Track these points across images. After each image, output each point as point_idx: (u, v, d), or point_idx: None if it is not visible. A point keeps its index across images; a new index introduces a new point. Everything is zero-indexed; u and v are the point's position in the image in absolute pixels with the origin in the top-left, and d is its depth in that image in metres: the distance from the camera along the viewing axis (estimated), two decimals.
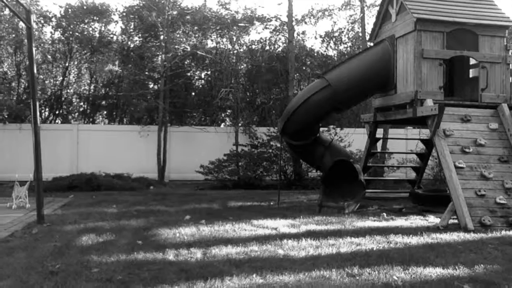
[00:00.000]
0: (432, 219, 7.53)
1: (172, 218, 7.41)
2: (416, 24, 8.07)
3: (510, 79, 8.27)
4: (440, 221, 6.90)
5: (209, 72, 16.64)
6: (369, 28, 17.49)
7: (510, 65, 8.22)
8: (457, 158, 7.31)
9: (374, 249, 5.23)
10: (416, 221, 7.41)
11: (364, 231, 6.23)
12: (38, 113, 7.06)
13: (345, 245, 5.38)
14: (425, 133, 12.80)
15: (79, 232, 6.26)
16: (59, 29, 16.15)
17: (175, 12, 14.90)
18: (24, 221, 7.17)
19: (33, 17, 9.73)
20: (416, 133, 14.41)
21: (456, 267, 4.46)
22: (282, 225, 6.72)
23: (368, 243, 5.50)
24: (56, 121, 16.44)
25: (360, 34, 17.23)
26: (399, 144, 14.28)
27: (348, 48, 17.89)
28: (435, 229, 6.59)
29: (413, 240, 5.73)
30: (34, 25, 14.71)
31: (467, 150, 7.44)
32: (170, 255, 4.91)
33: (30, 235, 6.05)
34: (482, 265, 4.55)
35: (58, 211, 8.22)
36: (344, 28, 17.88)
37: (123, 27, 16.31)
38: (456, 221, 6.88)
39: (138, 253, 4.97)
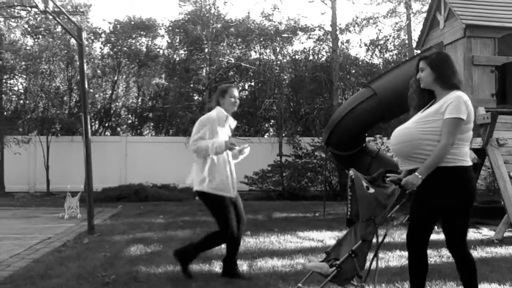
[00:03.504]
0: (486, 232, 7.22)
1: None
2: (465, 31, 7.83)
3: None
4: (495, 234, 6.61)
5: (252, 83, 16.75)
6: (415, 35, 17.17)
7: None
8: (511, 168, 7.00)
9: None
10: (469, 234, 7.09)
11: None
12: (89, 126, 7.30)
13: (395, 259, 5.23)
14: (477, 142, 12.33)
15: (127, 242, 6.39)
16: (108, 45, 16.70)
17: (219, 25, 15.14)
18: (75, 231, 7.40)
19: (84, 34, 10.12)
20: None
21: None
22: (328, 237, 6.62)
23: None
24: (106, 133, 16.96)
25: (406, 42, 16.94)
26: None
27: (394, 56, 17.59)
28: (490, 242, 6.32)
29: None
30: (85, 42, 15.31)
31: None
32: (217, 267, 4.93)
33: (81, 245, 6.23)
34: None
35: (108, 221, 8.43)
36: (390, 36, 17.61)
37: (169, 41, 16.70)
38: (511, 234, 6.57)
39: None
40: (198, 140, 4.27)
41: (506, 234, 6.58)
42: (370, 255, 3.47)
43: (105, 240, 6.54)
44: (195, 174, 4.41)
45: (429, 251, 5.58)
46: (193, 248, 4.51)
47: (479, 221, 8.22)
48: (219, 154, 4.25)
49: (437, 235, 6.85)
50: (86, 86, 7.40)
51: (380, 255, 5.33)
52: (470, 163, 3.21)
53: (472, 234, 7.11)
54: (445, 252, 5.57)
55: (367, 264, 3.40)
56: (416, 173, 3.12)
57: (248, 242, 6.29)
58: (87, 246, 6.18)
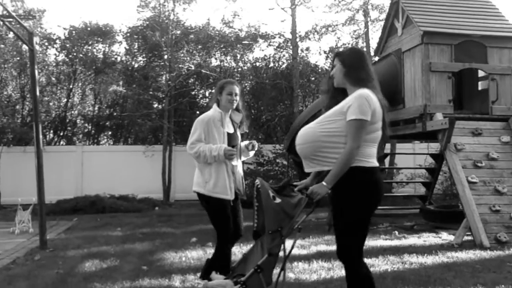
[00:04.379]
0: (446, 236, 7.30)
1: (178, 240, 7.22)
2: (423, 37, 7.94)
3: None
4: (455, 239, 6.67)
5: (213, 91, 16.55)
6: (373, 42, 17.41)
7: None
8: (469, 172, 7.11)
9: (389, 270, 5.01)
10: (429, 238, 7.18)
11: (376, 251, 6.01)
12: (41, 135, 6.95)
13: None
14: (433, 147, 12.58)
15: (82, 257, 6.08)
16: (63, 51, 16.17)
17: (178, 32, 14.90)
18: (26, 246, 7.01)
19: (37, 39, 9.72)
20: (423, 147, 14.17)
21: None
22: (290, 246, 6.50)
23: (382, 264, 5.28)
24: (61, 143, 16.37)
25: (365, 49, 17.16)
26: (406, 159, 14.05)
27: None
28: (450, 247, 6.37)
29: (428, 259, 5.51)
30: (38, 48, 14.77)
31: (479, 164, 7.24)
32: (177, 282, 4.72)
33: (33, 262, 5.88)
34: (503, 285, 4.32)
35: (62, 235, 8.05)
36: (348, 43, 17.80)
37: (127, 47, 16.32)
38: (470, 238, 6.66)
39: (143, 280, 4.78)
40: (195, 144, 4.06)
41: (466, 238, 6.65)
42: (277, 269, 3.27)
43: (59, 256, 6.20)
44: (195, 174, 4.18)
45: (391, 257, 5.60)
46: (208, 267, 4.13)
47: (438, 225, 8.33)
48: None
49: (399, 241, 6.91)
50: (38, 93, 7.04)
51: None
52: (374, 164, 3.00)
53: (432, 238, 7.19)
54: (408, 258, 5.57)
55: (274, 278, 3.21)
56: (323, 182, 2.94)
57: (210, 253, 6.09)
58: (38, 263, 5.84)
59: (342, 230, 3.03)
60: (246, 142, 4.34)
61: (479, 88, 9.02)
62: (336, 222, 3.07)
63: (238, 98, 4.20)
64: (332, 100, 3.18)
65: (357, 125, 2.90)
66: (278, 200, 3.14)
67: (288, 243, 3.19)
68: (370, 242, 6.74)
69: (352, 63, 3.09)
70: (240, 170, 4.25)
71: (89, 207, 11.52)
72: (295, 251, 6.10)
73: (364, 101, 2.92)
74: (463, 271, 4.93)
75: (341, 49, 17.71)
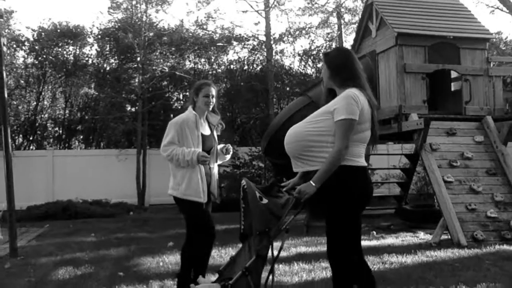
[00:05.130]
0: (423, 236, 7.36)
1: (155, 245, 7.07)
2: (397, 39, 8.02)
3: (493, 91, 8.24)
4: (432, 238, 6.72)
5: (187, 93, 16.40)
6: (347, 45, 17.58)
7: (493, 77, 8.20)
8: (445, 172, 7.19)
9: None
10: (407, 238, 7.22)
11: None
12: (9, 140, 6.71)
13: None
14: (407, 148, 12.71)
15: (55, 265, 5.88)
16: (32, 53, 15.75)
17: (151, 34, 14.70)
18: None
19: (4, 41, 9.43)
20: (397, 148, 14.32)
21: (458, 287, 4.25)
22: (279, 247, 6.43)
23: None
24: (30, 148, 15.92)
25: None
26: (381, 160, 14.16)
27: None
28: (428, 246, 6.41)
29: (408, 259, 5.52)
30: (6, 50, 14.32)
31: (454, 163, 7.33)
32: (155, 287, 4.59)
33: (3, 270, 5.64)
34: (483, 283, 4.35)
35: (33, 242, 7.79)
36: (322, 46, 17.91)
37: (99, 49, 16.00)
38: (448, 236, 6.72)
39: (120, 286, 4.64)
40: (168, 146, 3.96)
41: (443, 237, 6.70)
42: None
43: (30, 264, 5.97)
44: (171, 177, 4.08)
45: (371, 258, 5.59)
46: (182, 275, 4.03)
47: (415, 225, 8.40)
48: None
49: (377, 241, 6.93)
50: (6, 96, 6.79)
51: (324, 264, 5.24)
52: (362, 164, 2.99)
53: (410, 238, 7.23)
54: (388, 258, 5.57)
55: (263, 281, 3.14)
56: (310, 181, 2.91)
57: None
58: (8, 271, 5.61)
59: (333, 230, 2.99)
60: (221, 145, 4.27)
61: (452, 89, 9.16)
62: (327, 222, 3.02)
63: (214, 100, 4.13)
64: (326, 101, 3.16)
65: (345, 125, 2.88)
66: (265, 201, 3.09)
67: (276, 244, 3.13)
68: None
69: (337, 64, 3.07)
70: (216, 173, 4.18)
71: (61, 212, 11.20)
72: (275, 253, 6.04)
73: (351, 100, 2.91)
74: (443, 269, 4.95)
75: (314, 52, 17.85)
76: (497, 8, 17.55)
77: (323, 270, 5.02)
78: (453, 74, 8.97)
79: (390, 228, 8.30)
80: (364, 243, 6.73)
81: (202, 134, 4.06)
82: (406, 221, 8.77)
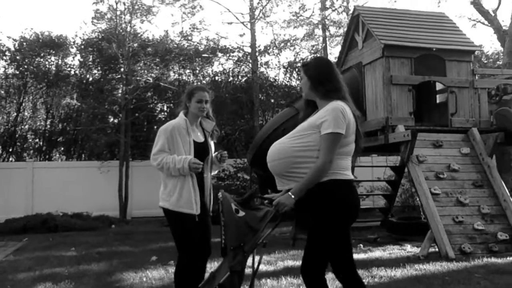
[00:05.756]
0: (410, 248, 7.28)
1: (138, 259, 6.86)
2: (383, 51, 8.00)
3: (478, 103, 8.27)
4: (420, 251, 6.65)
5: (172, 105, 16.26)
6: (331, 57, 17.66)
7: (478, 89, 8.24)
8: (432, 184, 7.15)
9: None
10: (394, 251, 7.14)
11: None
12: None
13: (328, 283, 4.98)
14: (391, 160, 12.73)
15: (34, 280, 5.64)
16: (13, 63, 15.47)
17: (136, 44, 14.56)
18: None
19: None
20: (381, 160, 14.33)
21: None
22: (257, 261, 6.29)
23: None
24: (10, 159, 15.56)
25: None
26: (366, 172, 14.15)
27: None
28: (416, 259, 6.33)
29: (397, 273, 5.42)
30: None
31: (441, 175, 7.30)
32: None
33: None
34: None
35: (11, 257, 7.52)
36: (307, 58, 17.96)
37: (82, 60, 15.80)
38: (435, 249, 6.65)
39: None
40: (157, 154, 3.74)
41: (431, 249, 6.64)
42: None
43: (7, 279, 5.73)
44: (161, 188, 3.84)
45: (360, 271, 5.46)
46: None
47: (401, 237, 8.34)
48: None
49: (365, 254, 6.83)
50: None
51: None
52: (350, 177, 2.91)
53: (397, 251, 7.15)
54: (377, 271, 5.47)
55: None
56: (289, 193, 2.81)
57: (173, 273, 5.79)
58: None
59: (318, 245, 2.87)
60: (215, 153, 4.06)
61: (437, 101, 9.18)
62: (311, 236, 2.90)
63: (208, 105, 3.95)
64: (305, 113, 3.06)
65: (332, 138, 2.80)
66: (241, 214, 2.97)
67: (256, 258, 3.00)
68: None
69: (318, 75, 2.96)
70: (209, 183, 3.94)
71: (40, 226, 10.89)
72: (262, 268, 5.90)
73: (339, 114, 2.82)
74: (433, 283, 4.87)
75: (299, 64, 17.86)
76: (479, 21, 17.81)
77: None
78: (438, 86, 9.00)
79: (376, 241, 8.21)
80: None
81: (194, 141, 3.83)
82: (392, 234, 8.71)
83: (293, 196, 2.79)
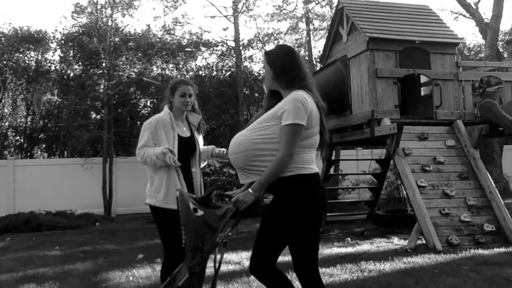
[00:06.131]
0: (397, 241, 7.30)
1: (124, 258, 6.76)
2: (368, 44, 7.99)
3: (463, 96, 8.31)
4: (408, 243, 6.67)
5: (155, 100, 16.09)
6: (315, 51, 17.66)
7: (462, 82, 8.27)
8: (418, 177, 7.17)
9: (349, 279, 4.86)
10: (381, 244, 7.15)
11: (333, 259, 5.87)
12: None
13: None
14: (376, 153, 12.77)
15: (17, 281, 5.51)
16: None
17: (117, 39, 14.33)
18: None
19: None
20: (366, 153, 14.38)
21: None
22: (245, 258, 6.24)
23: (341, 273, 5.13)
24: None
25: (307, 58, 17.32)
26: (351, 165, 14.19)
27: None
28: (404, 252, 6.34)
29: (386, 266, 5.42)
30: None
31: (427, 168, 7.32)
32: None
33: None
34: None
35: None
36: None
37: (62, 55, 15.51)
38: (423, 241, 6.68)
39: None
40: (142, 149, 3.64)
41: (418, 242, 6.66)
42: None
43: None
44: (148, 185, 3.74)
45: (349, 265, 5.47)
46: None
47: (388, 230, 8.36)
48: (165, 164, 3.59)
49: (353, 248, 6.82)
50: None
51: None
52: (315, 171, 2.79)
53: (385, 244, 7.16)
54: (366, 265, 5.46)
55: None
56: (249, 189, 2.70)
57: (160, 271, 5.71)
58: None
59: (275, 239, 2.76)
60: (220, 149, 3.93)
61: (422, 94, 9.22)
62: (271, 232, 2.77)
63: (193, 99, 3.85)
64: (268, 103, 2.92)
65: (292, 130, 2.66)
66: (200, 213, 2.83)
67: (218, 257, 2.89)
68: (325, 250, 6.61)
69: (281, 64, 2.83)
70: (198, 178, 3.83)
71: (23, 225, 10.67)
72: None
73: (299, 104, 2.67)
74: (423, 276, 4.87)
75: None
76: (461, 14, 17.95)
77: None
78: (423, 79, 9.03)
79: (364, 234, 8.22)
80: (340, 250, 6.66)
81: (180, 136, 3.73)
82: (379, 227, 8.73)
83: (253, 192, 2.69)
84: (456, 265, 5.35)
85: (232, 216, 2.80)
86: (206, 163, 4.04)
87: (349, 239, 7.55)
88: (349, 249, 6.74)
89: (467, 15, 16.64)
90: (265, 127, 2.74)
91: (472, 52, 19.46)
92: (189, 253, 2.76)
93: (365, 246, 6.94)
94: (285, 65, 2.81)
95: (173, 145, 3.68)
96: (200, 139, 3.93)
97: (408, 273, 5.03)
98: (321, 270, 5.23)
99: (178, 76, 15.95)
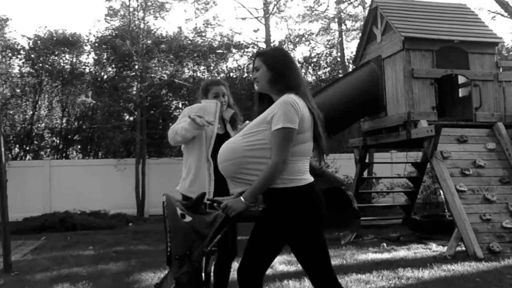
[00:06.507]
0: (435, 248, 7.07)
1: (156, 259, 6.74)
2: (404, 43, 7.78)
3: (503, 97, 8.00)
4: (447, 250, 6.43)
5: (187, 102, 16.16)
6: (348, 52, 17.42)
7: (503, 82, 7.97)
8: (457, 181, 6.92)
9: (386, 287, 4.70)
10: (419, 250, 6.93)
11: (368, 266, 5.71)
12: (3, 149, 6.39)
13: (353, 284, 4.83)
14: (412, 156, 12.49)
15: (51, 280, 5.57)
16: (28, 62, 15.49)
17: (149, 41, 14.47)
18: None
19: None
20: (400, 156, 14.08)
21: None
22: (278, 262, 6.13)
23: (377, 280, 4.97)
24: (27, 158, 15.61)
25: (339, 59, 17.11)
26: (385, 168, 13.89)
27: (327, 73, 17.69)
28: (443, 259, 6.12)
29: (425, 274, 5.23)
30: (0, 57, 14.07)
31: (467, 172, 7.06)
32: None
33: None
34: None
35: (29, 256, 7.47)
36: (322, 54, 17.72)
37: (96, 57, 15.76)
38: (462, 248, 6.44)
39: None
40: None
41: (458, 249, 6.42)
42: None
43: (24, 280, 5.65)
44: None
45: (385, 272, 5.30)
46: None
47: (424, 236, 8.12)
48: (196, 132, 3.47)
49: (389, 254, 6.63)
50: (1, 105, 6.49)
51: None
52: (308, 181, 2.62)
53: (422, 250, 6.94)
54: (404, 272, 5.28)
55: None
56: (241, 197, 2.55)
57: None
58: None
59: (267, 249, 2.65)
60: None
61: (460, 95, 8.93)
62: (265, 242, 2.66)
63: (226, 98, 3.71)
64: (260, 108, 2.76)
65: (283, 134, 2.50)
66: (188, 219, 2.66)
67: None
68: (360, 256, 6.46)
69: (279, 67, 2.68)
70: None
71: (58, 224, 10.86)
72: (284, 268, 5.76)
73: (289, 107, 2.52)
74: (464, 285, 4.67)
75: (315, 59, 17.63)
76: (499, 13, 17.40)
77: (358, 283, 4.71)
78: (461, 80, 8.75)
79: (399, 239, 8.01)
80: (376, 256, 6.48)
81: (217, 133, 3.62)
82: (415, 232, 8.48)
83: (244, 201, 2.54)
84: (499, 273, 5.12)
85: (221, 223, 2.65)
86: None
87: (384, 244, 7.36)
88: (385, 255, 6.56)
89: (505, 14, 16.10)
90: (255, 132, 2.59)
91: (511, 53, 18.83)
92: (176, 262, 2.59)
93: (401, 252, 6.73)
94: (284, 70, 2.67)
95: (212, 134, 3.59)
96: (233, 133, 3.73)
97: (449, 282, 4.83)
98: (356, 276, 5.11)
99: (209, 77, 15.98)
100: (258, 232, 2.68)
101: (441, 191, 8.18)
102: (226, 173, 2.68)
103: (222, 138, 3.62)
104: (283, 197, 2.57)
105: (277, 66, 2.68)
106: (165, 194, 2.70)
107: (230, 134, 3.69)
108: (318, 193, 2.67)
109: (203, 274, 2.69)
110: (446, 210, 8.31)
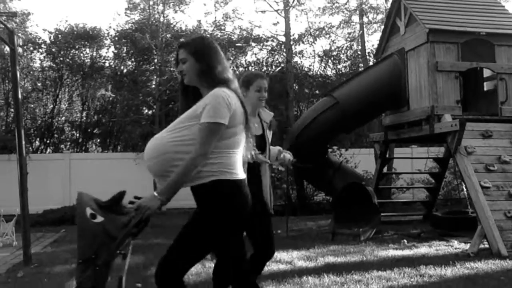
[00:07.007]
0: (457, 245, 6.88)
1: None
2: (428, 36, 7.57)
3: None
4: (470, 247, 6.26)
5: None
6: (369, 45, 17.16)
7: None
8: (482, 177, 6.71)
9: (408, 285, 4.58)
10: (440, 247, 6.76)
11: (389, 262, 5.58)
12: (23, 142, 6.41)
13: (374, 281, 4.71)
14: (433, 151, 12.23)
15: (70, 273, 5.56)
16: (49, 56, 15.63)
17: (169, 35, 14.47)
18: (9, 262, 6.47)
19: (19, 41, 9.23)
20: (422, 151, 13.80)
21: None
22: (296, 258, 6.05)
23: (398, 278, 4.84)
24: (47, 151, 15.79)
25: (359, 53, 16.86)
26: (405, 164, 13.64)
27: (347, 67, 17.46)
28: (466, 256, 5.95)
29: (448, 271, 5.08)
30: (21, 51, 14.20)
31: (491, 168, 6.85)
32: None
33: (15, 280, 5.36)
34: None
35: (48, 249, 7.52)
36: (342, 47, 17.49)
37: (116, 51, 15.83)
38: (485, 246, 6.25)
39: None
40: None
41: (481, 246, 6.24)
42: None
43: (44, 272, 5.68)
44: None
45: (407, 269, 5.17)
46: None
47: (445, 232, 7.93)
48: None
49: (410, 251, 6.49)
50: (20, 95, 6.52)
51: (356, 276, 4.83)
52: (238, 176, 2.51)
53: (444, 247, 6.77)
54: (426, 270, 5.14)
55: None
56: (155, 193, 2.41)
57: (210, 267, 5.62)
58: (21, 280, 5.32)
59: (195, 246, 2.55)
60: (284, 154, 3.61)
61: (485, 89, 8.69)
62: (192, 241, 2.57)
63: (266, 94, 3.47)
64: (185, 101, 2.63)
65: (210, 129, 2.40)
66: (99, 219, 2.47)
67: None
68: (380, 252, 6.33)
69: (208, 59, 2.54)
70: (268, 177, 3.47)
71: None
72: (302, 264, 5.66)
73: (222, 101, 2.42)
74: (489, 284, 4.52)
75: (335, 53, 17.42)
76: None
77: (356, 283, 4.61)
78: (486, 73, 8.50)
79: (420, 236, 7.84)
80: (396, 252, 6.34)
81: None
82: (437, 229, 8.29)
83: (159, 197, 2.40)
84: None
85: (136, 225, 2.47)
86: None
87: (405, 241, 7.20)
88: (406, 252, 6.41)
89: None
90: (183, 127, 2.47)
91: None
92: (79, 266, 2.41)
93: (423, 249, 6.57)
94: (214, 61, 2.55)
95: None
96: (270, 135, 3.60)
97: (472, 280, 4.68)
98: (377, 273, 4.99)
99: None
100: (189, 229, 2.57)
101: (463, 187, 7.96)
102: (153, 171, 2.56)
103: (259, 139, 3.40)
104: (209, 192, 2.47)
105: (206, 58, 2.55)
106: (78, 191, 2.55)
107: (267, 135, 3.51)
108: (246, 191, 2.56)
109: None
110: (468, 207, 8.10)
